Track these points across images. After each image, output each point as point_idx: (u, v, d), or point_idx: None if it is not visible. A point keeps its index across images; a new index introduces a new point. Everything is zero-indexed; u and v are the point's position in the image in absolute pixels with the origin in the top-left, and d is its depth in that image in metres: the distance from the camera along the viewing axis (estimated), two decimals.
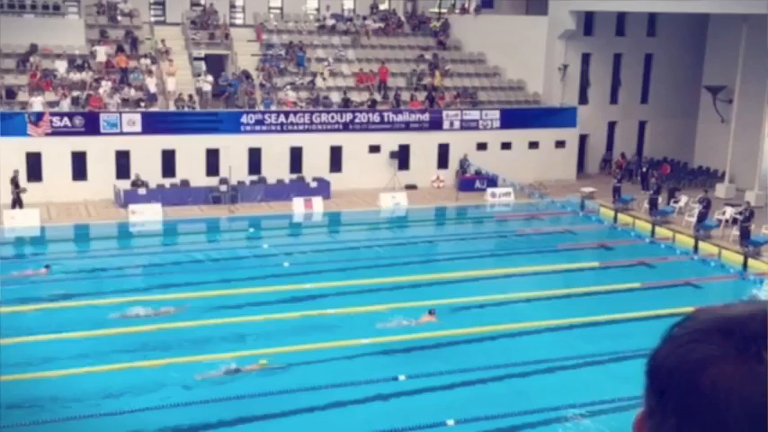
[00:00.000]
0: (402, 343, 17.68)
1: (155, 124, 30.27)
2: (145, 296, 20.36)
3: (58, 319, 18.58)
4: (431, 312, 19.01)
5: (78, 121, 29.46)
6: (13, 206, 27.38)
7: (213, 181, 30.27)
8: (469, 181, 32.91)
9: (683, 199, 29.76)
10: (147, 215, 28.08)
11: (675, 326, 1.17)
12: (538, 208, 31.14)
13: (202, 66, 34.60)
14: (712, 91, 34.93)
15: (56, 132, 29.08)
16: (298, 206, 29.82)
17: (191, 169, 30.28)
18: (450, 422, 14.34)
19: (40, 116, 28.96)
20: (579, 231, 28.29)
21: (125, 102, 31.17)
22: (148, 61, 32.90)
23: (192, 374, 15.91)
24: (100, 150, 29.44)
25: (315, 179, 31.32)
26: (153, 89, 31.74)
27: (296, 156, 31.71)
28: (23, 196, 27.48)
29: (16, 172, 27.67)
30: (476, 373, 16.29)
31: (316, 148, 31.67)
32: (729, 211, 27.90)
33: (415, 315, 19.19)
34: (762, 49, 30.26)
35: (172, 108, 31.54)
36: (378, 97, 34.29)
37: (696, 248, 26.14)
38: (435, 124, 33.46)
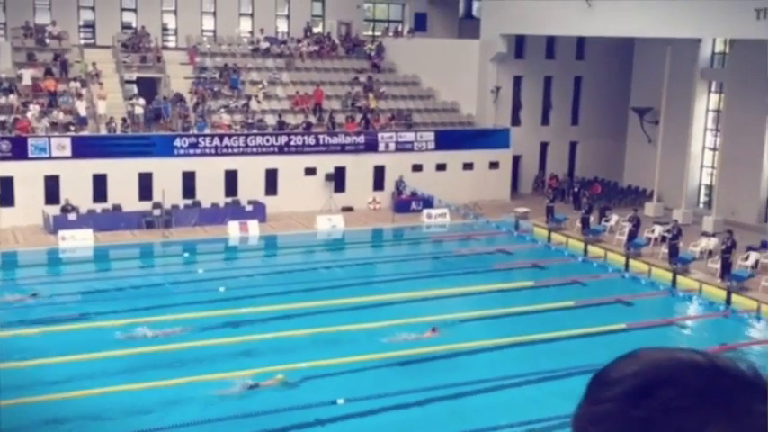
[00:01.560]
0: (340, 366, 17.58)
1: (85, 148, 29.69)
2: (77, 324, 19.87)
3: None
4: (434, 329, 19.43)
5: (5, 145, 28.72)
6: None
7: (146, 205, 29.78)
8: (405, 202, 33.08)
9: (614, 218, 30.41)
10: (78, 241, 27.46)
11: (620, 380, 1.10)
12: (473, 228, 31.44)
13: (134, 89, 34.12)
14: (639, 112, 35.88)
15: None
16: (233, 230, 29.53)
17: (123, 194, 29.74)
18: None
19: None
20: (514, 251, 28.64)
21: (54, 126, 30.51)
22: (78, 84, 32.32)
23: (130, 399, 15.53)
24: (28, 175, 28.71)
25: (250, 202, 31.08)
26: (83, 113, 31.16)
27: (231, 179, 31.44)
28: None
29: None
30: (413, 394, 16.29)
31: (251, 171, 31.46)
32: (658, 230, 28.62)
33: (353, 338, 19.14)
34: (685, 72, 31.26)
35: (103, 132, 31.01)
36: (313, 120, 34.29)
37: (627, 266, 26.69)
38: (371, 146, 33.58)
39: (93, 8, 37.23)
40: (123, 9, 37.58)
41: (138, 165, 30.06)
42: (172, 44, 38.08)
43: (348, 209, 32.55)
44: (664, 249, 26.96)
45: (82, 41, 36.62)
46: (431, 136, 34.59)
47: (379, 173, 33.69)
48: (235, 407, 15.64)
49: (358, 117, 34.98)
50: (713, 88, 33.48)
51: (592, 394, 1.12)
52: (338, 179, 32.87)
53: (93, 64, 33.48)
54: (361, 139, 33.55)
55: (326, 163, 32.64)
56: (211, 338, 18.86)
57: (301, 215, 31.40)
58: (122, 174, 29.70)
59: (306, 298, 22.13)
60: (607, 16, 30.47)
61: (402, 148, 34.01)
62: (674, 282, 25.09)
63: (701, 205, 33.56)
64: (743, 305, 23.12)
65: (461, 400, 16.45)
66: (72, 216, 28.58)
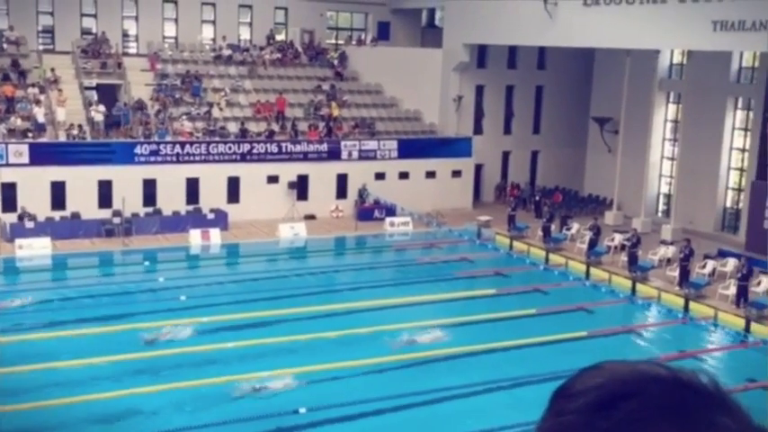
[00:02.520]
0: (303, 375, 17.49)
1: (43, 155, 29.25)
2: (35, 334, 19.54)
3: None
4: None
5: None
6: None
7: (106, 213, 29.41)
8: (368, 210, 33.08)
9: (575, 226, 30.70)
10: (36, 249, 27.05)
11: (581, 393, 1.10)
12: (435, 236, 31.52)
13: (94, 95, 33.71)
14: (599, 122, 36.31)
15: None
16: (195, 238, 29.29)
17: (82, 201, 29.34)
18: None
19: None
20: (476, 259, 28.76)
21: (11, 132, 30.03)
22: (36, 90, 31.86)
23: (95, 409, 15.30)
24: None
25: (212, 210, 30.85)
26: (41, 119, 30.72)
27: (192, 187, 31.19)
28: None
29: None
30: (376, 403, 16.26)
31: (213, 178, 31.24)
32: (618, 238, 28.94)
33: (315, 347, 19.08)
34: (644, 82, 31.71)
35: (62, 139, 30.59)
36: (275, 128, 34.17)
37: (588, 274, 26.95)
38: (333, 154, 33.55)
39: (52, 13, 36.74)
40: (83, 14, 37.14)
41: (97, 172, 29.68)
42: (133, 50, 37.70)
43: (311, 217, 32.46)
44: (623, 257, 27.27)
45: (41, 47, 36.10)
46: (394, 144, 34.66)
47: (342, 181, 33.66)
48: (193, 417, 15.48)
49: (321, 125, 34.93)
50: (671, 99, 34.02)
51: (556, 406, 1.12)
52: (301, 187, 32.77)
53: (52, 70, 33.04)
54: (324, 147, 33.51)
55: (289, 171, 32.52)
56: (172, 348, 18.64)
57: (264, 223, 31.24)
58: (81, 181, 29.31)
59: (268, 306, 22.00)
60: (568, 27, 30.83)
61: (365, 156, 34.03)
62: (633, 290, 25.38)
63: (660, 214, 34.03)
64: (700, 312, 23.46)
65: (424, 408, 16.45)
66: (29, 224, 28.13)
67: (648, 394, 1.07)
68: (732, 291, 23.91)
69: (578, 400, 1.09)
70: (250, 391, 16.49)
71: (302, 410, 15.86)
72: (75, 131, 30.48)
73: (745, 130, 31.28)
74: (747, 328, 22.19)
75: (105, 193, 29.75)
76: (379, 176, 34.01)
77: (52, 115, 31.47)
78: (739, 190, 31.56)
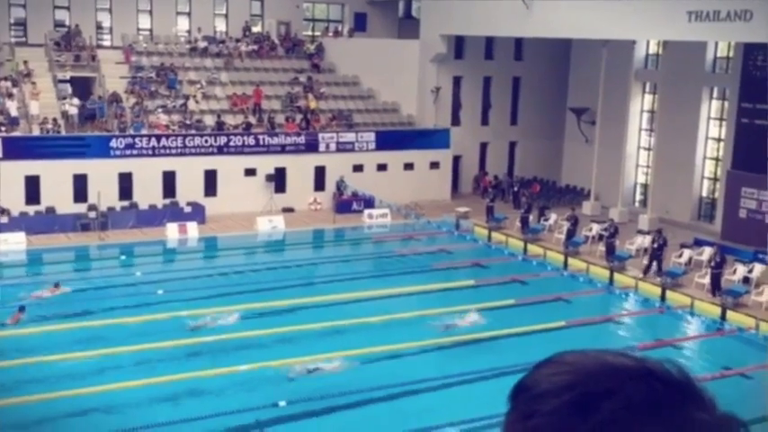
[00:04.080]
0: (281, 369, 17.42)
1: (17, 149, 28.89)
2: (11, 331, 19.32)
3: None
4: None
5: None
6: None
7: (81, 208, 29.12)
8: (346, 203, 33.01)
9: (553, 217, 30.79)
10: (10, 244, 26.74)
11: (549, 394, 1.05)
12: (414, 228, 31.51)
13: (68, 88, 33.33)
14: (576, 113, 36.42)
15: None
16: (172, 232, 29.07)
17: (57, 196, 29.03)
18: None
19: None
20: (454, 250, 28.79)
21: None
22: (9, 84, 31.45)
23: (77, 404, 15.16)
24: None
25: (189, 204, 30.63)
26: (14, 113, 30.34)
27: (169, 180, 30.95)
28: None
29: None
30: (356, 395, 16.24)
31: (189, 172, 31.02)
32: (596, 228, 29.07)
33: (293, 339, 19.04)
34: (621, 73, 31.84)
35: (36, 132, 30.23)
36: (252, 120, 33.97)
37: (566, 265, 27.05)
38: (311, 147, 33.42)
39: (24, 6, 36.30)
40: (56, 7, 36.72)
41: (72, 166, 29.37)
42: (107, 43, 37.34)
43: (289, 210, 32.33)
44: (601, 247, 27.39)
45: (13, 39, 35.64)
46: (371, 136, 34.58)
47: (320, 173, 33.55)
48: (169, 410, 15.39)
49: (298, 117, 34.77)
50: (647, 89, 34.17)
51: (521, 407, 1.07)
52: (279, 180, 32.63)
53: (25, 63, 32.64)
54: (302, 139, 33.36)
55: (267, 163, 32.37)
56: (150, 342, 18.51)
57: (241, 216, 31.06)
58: (56, 175, 28.99)
59: (247, 299, 21.91)
60: (545, 18, 30.85)
61: (343, 148, 33.93)
62: (611, 279, 25.51)
63: (637, 204, 34.23)
64: (677, 301, 23.63)
65: (402, 399, 16.45)
66: (3, 219, 27.79)
67: (624, 393, 1.03)
68: (708, 279, 24.09)
69: (550, 402, 1.04)
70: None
71: (282, 403, 15.78)
72: (49, 125, 30.13)
73: (721, 119, 31.50)
74: (723, 316, 22.39)
75: (80, 188, 29.45)
76: (357, 168, 33.93)
77: (25, 109, 31.09)
78: (715, 179, 31.79)
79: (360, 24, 41.72)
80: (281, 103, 35.82)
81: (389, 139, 34.85)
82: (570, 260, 27.11)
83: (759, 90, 28.21)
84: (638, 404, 1.02)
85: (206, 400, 16.04)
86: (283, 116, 34.77)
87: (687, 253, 26.55)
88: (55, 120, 30.55)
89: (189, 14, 39.06)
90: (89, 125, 31.59)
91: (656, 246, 25.43)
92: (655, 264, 25.16)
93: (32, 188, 28.96)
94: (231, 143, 32.06)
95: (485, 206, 31.90)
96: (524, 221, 29.99)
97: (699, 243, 27.49)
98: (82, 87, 33.59)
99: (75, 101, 31.93)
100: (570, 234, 28.18)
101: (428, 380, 17.26)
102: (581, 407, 1.02)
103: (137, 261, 27.12)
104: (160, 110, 32.83)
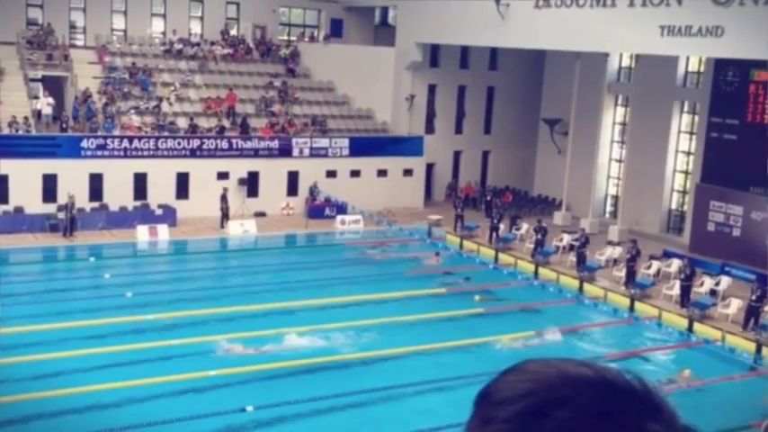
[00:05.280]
0: (248, 374, 17.34)
1: None
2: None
3: None
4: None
5: None
6: None
7: (50, 208, 28.80)
8: (319, 208, 32.95)
9: (524, 226, 30.94)
10: None
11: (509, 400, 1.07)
12: (386, 235, 31.51)
13: (39, 87, 32.97)
14: (549, 123, 36.68)
15: None
16: (142, 234, 28.84)
17: (25, 195, 28.69)
18: None
19: None
20: (426, 258, 28.81)
21: None
22: None
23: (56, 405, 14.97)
24: None
25: (160, 206, 30.41)
26: None
27: (140, 182, 30.71)
28: None
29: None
30: (325, 401, 16.19)
31: (161, 174, 30.80)
32: (566, 238, 29.27)
33: (262, 344, 18.94)
34: (594, 85, 32.12)
35: (5, 131, 29.85)
36: (226, 123, 33.83)
37: (536, 274, 27.19)
38: (285, 151, 33.34)
39: None
40: (29, 5, 36.28)
41: (42, 166, 29.05)
42: (80, 42, 36.97)
43: (261, 214, 32.21)
44: (572, 257, 27.57)
45: None
46: (345, 142, 34.57)
47: (293, 178, 33.47)
48: (135, 413, 15.25)
49: (277, 121, 34.62)
50: (620, 101, 34.50)
51: (482, 413, 1.08)
52: (251, 184, 32.50)
53: None
54: (275, 143, 33.27)
55: (239, 167, 32.23)
56: (118, 345, 18.34)
57: (213, 220, 30.89)
58: (25, 175, 28.66)
59: (216, 304, 21.79)
60: (519, 28, 31.06)
61: (316, 153, 33.89)
62: (580, 289, 25.68)
63: (607, 215, 34.52)
64: (645, 312, 23.84)
65: (371, 407, 16.43)
66: None
67: (579, 401, 1.04)
68: (676, 291, 24.34)
69: (507, 409, 1.05)
70: None
71: (249, 408, 15.71)
72: (20, 123, 29.77)
73: (691, 133, 31.87)
74: (690, 328, 22.62)
75: (50, 188, 29.14)
76: (331, 174, 33.90)
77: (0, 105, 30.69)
78: (684, 192, 32.15)
79: (336, 30, 41.71)
80: (255, 107, 35.70)
81: (363, 146, 34.86)
82: (541, 270, 27.25)
83: (728, 105, 28.62)
84: (591, 413, 1.03)
85: (181, 400, 15.91)
86: (258, 120, 34.64)
87: (656, 264, 26.81)
88: (27, 118, 30.21)
89: (164, 16, 38.80)
90: (68, 127, 31.23)
91: (628, 256, 25.65)
92: (624, 274, 25.38)
93: (1, 187, 28.59)
94: (204, 146, 31.90)
95: (453, 215, 31.95)
96: (494, 230, 30.09)
97: (668, 255, 27.77)
98: (54, 87, 33.24)
99: (50, 100, 31.60)
100: (538, 244, 28.32)
101: (397, 387, 17.22)
102: (535, 415, 1.04)
103: (105, 263, 26.83)
104: (132, 111, 32.58)
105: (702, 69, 31.28)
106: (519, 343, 19.90)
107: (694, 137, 31.51)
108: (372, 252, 29.50)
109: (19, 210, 28.61)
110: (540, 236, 28.38)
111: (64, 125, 30.88)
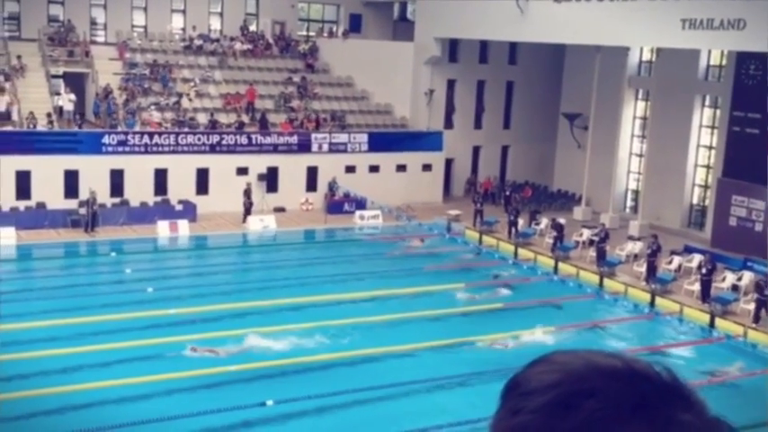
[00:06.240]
0: (269, 369, 17.41)
1: (8, 144, 28.78)
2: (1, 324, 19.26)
3: None
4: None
5: None
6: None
7: (72, 204, 29.03)
8: (338, 203, 32.99)
9: (544, 221, 30.82)
10: (0, 239, 26.62)
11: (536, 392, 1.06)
12: (405, 230, 31.51)
13: (61, 84, 33.23)
14: (569, 118, 36.49)
15: None
16: (162, 229, 29.00)
17: (47, 191, 28.94)
18: None
19: None
20: (445, 253, 28.79)
21: None
22: (1, 78, 31.33)
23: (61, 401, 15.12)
24: None
25: (180, 202, 30.57)
26: (2, 107, 30.17)
27: (161, 178, 30.89)
28: None
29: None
30: (345, 395, 16.22)
31: (181, 169, 30.95)
32: (586, 233, 29.11)
33: (283, 338, 19.02)
34: (614, 79, 31.91)
35: (24, 127, 30.12)
36: (246, 119, 33.93)
37: (556, 269, 27.09)
38: (304, 147, 33.40)
39: (18, 0, 36.15)
40: (50, 2, 36.60)
41: (64, 162, 29.29)
42: (101, 39, 37.23)
43: (280, 209, 32.30)
44: (592, 253, 27.44)
45: (6, 34, 35.52)
46: (364, 137, 34.58)
47: (312, 173, 33.53)
48: (153, 408, 15.35)
49: (296, 117, 34.68)
50: (640, 96, 34.27)
51: (510, 403, 1.08)
52: (271, 179, 32.59)
53: (18, 57, 32.52)
54: (294, 139, 33.34)
55: (259, 163, 32.33)
56: (138, 339, 18.47)
57: (232, 215, 31.01)
58: (47, 171, 28.91)
59: (235, 299, 21.88)
60: (539, 22, 30.92)
61: (335, 149, 33.92)
62: (600, 284, 25.56)
63: (628, 210, 34.30)
64: (666, 308, 23.69)
65: (390, 402, 16.45)
66: None
67: (608, 392, 1.04)
68: (697, 286, 24.17)
69: (536, 399, 1.05)
70: None
71: (269, 403, 15.78)
72: (43, 120, 30.02)
73: (712, 127, 31.61)
74: (712, 324, 22.46)
75: (71, 184, 29.37)
76: (350, 169, 33.93)
77: (18, 104, 30.96)
78: (705, 187, 31.90)
79: (354, 25, 41.73)
80: (274, 103, 35.79)
81: (382, 141, 34.86)
82: (560, 265, 27.15)
83: (751, 99, 28.32)
84: (621, 404, 1.03)
85: (200, 394, 16.01)
86: (277, 116, 34.72)
87: (677, 260, 26.63)
88: (50, 115, 30.47)
89: (184, 12, 38.98)
90: (87, 123, 31.48)
91: (649, 252, 25.50)
92: (644, 269, 25.24)
93: (23, 183, 28.86)
94: (224, 142, 32.02)
95: (473, 210, 31.86)
96: (512, 226, 29.97)
97: (689, 250, 27.57)
98: (75, 83, 33.51)
99: (72, 96, 31.84)
100: (556, 240, 28.17)
101: (415, 382, 17.23)
102: (564, 405, 1.04)
103: (127, 258, 27.01)
104: (153, 107, 32.76)
105: (724, 63, 31.00)
106: (498, 344, 19.63)
107: (716, 131, 31.25)
108: (391, 247, 29.45)
109: (41, 205, 28.85)
110: (557, 232, 28.24)
111: (78, 121, 31.13)
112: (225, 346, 18.53)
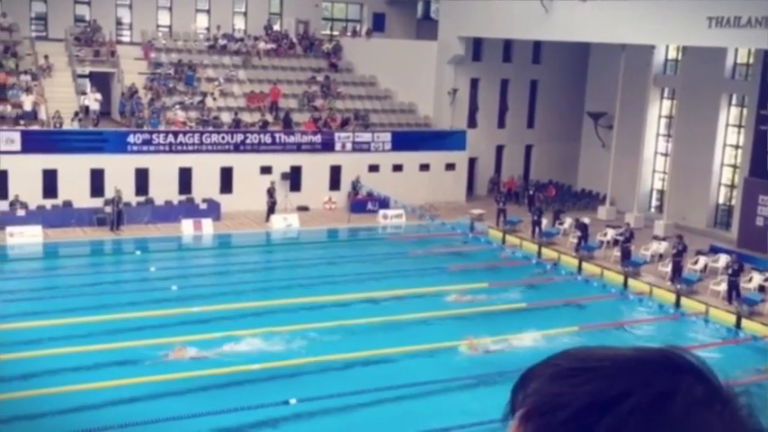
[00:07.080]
0: (292, 368, 17.46)
1: (35, 143, 29.10)
2: (26, 322, 19.45)
3: None
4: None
5: None
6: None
7: (98, 202, 29.29)
8: (361, 203, 33.02)
9: (568, 221, 30.67)
10: (27, 237, 26.93)
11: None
12: (428, 229, 31.47)
13: (87, 83, 33.54)
14: (594, 117, 36.28)
15: None
16: (187, 228, 29.18)
17: (74, 190, 29.22)
18: None
19: None
20: (468, 253, 28.73)
21: (2, 119, 29.86)
22: (29, 78, 31.67)
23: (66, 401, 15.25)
24: None
25: (204, 200, 30.75)
26: (28, 107, 30.50)
27: (185, 177, 31.07)
28: None
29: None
30: (369, 394, 16.24)
31: (205, 168, 31.13)
32: (611, 233, 28.93)
33: (305, 337, 19.07)
34: (639, 77, 31.69)
35: (53, 126, 30.43)
36: (269, 118, 34.05)
37: (580, 269, 26.94)
38: (327, 146, 33.46)
39: (45, 0, 36.53)
40: (76, 2, 36.97)
41: (89, 161, 29.56)
42: (126, 39, 37.53)
43: (304, 208, 32.38)
44: (616, 252, 27.27)
45: (33, 34, 35.91)
46: (387, 137, 34.58)
47: (336, 173, 33.58)
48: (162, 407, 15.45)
49: (320, 116, 34.75)
50: (665, 94, 34.01)
51: (530, 399, 1.08)
52: (294, 178, 32.69)
53: (45, 57, 32.86)
54: (318, 138, 33.41)
55: (282, 162, 32.43)
56: (164, 337, 18.60)
57: (256, 214, 31.14)
58: (73, 169, 29.18)
59: (259, 297, 21.96)
60: (563, 21, 30.76)
61: (359, 148, 33.95)
62: (625, 284, 25.39)
63: (653, 209, 34.05)
64: (692, 308, 23.49)
65: (411, 401, 16.44)
66: (21, 212, 28.00)
67: (641, 394, 1.03)
68: (723, 287, 23.94)
69: (572, 402, 1.03)
70: None
71: (292, 401, 15.83)
72: (69, 120, 30.31)
73: (739, 126, 31.30)
74: (738, 324, 22.24)
75: (97, 182, 29.63)
76: (373, 169, 33.94)
77: (45, 103, 31.29)
78: (732, 186, 31.60)
79: (378, 24, 41.74)
80: (297, 102, 35.89)
81: (405, 140, 34.84)
82: (584, 265, 26.99)
83: None
84: (650, 393, 1.03)
85: (227, 392, 16.09)
86: (300, 115, 34.81)
87: (703, 260, 26.40)
88: (77, 113, 30.76)
89: (208, 12, 39.21)
90: (109, 121, 31.73)
91: (674, 251, 25.29)
92: (669, 269, 25.03)
93: (50, 182, 29.16)
94: (248, 141, 32.15)
95: (496, 210, 31.75)
96: (536, 225, 29.85)
97: (715, 250, 27.32)
98: (101, 83, 33.80)
99: (99, 95, 32.12)
100: (580, 241, 28.02)
101: (439, 381, 17.21)
102: (600, 408, 1.01)
103: (151, 257, 27.21)
104: (177, 106, 32.97)
105: (751, 61, 30.68)
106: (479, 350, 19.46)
107: (743, 130, 30.94)
108: (415, 246, 29.43)
109: (68, 204, 29.13)
110: (581, 232, 28.10)
111: (95, 120, 31.42)
112: (246, 343, 18.59)
